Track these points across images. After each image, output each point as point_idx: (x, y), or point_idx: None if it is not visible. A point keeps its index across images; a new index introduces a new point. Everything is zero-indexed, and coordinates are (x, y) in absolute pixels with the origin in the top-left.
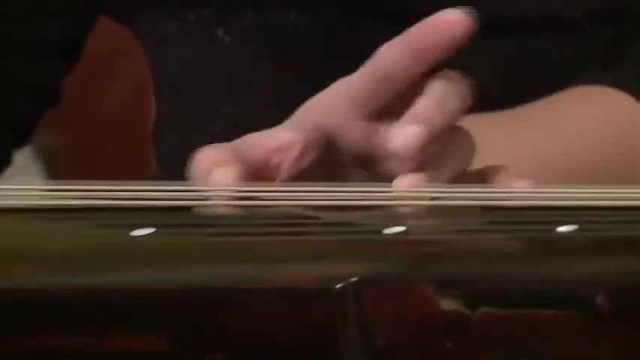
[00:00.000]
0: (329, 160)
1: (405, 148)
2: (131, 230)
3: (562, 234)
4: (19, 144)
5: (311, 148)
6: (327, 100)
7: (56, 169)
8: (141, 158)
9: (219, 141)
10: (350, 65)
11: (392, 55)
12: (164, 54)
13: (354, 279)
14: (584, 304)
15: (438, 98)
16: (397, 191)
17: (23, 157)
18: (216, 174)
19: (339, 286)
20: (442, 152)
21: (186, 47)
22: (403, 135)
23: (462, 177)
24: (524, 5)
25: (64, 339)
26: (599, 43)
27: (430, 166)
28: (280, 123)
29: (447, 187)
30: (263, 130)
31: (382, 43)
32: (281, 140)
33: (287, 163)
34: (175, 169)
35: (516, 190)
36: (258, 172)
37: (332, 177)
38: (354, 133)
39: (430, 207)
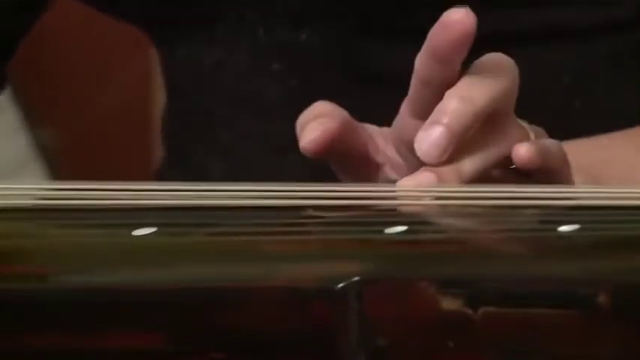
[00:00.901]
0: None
1: (425, 153)
2: (132, 230)
3: (563, 233)
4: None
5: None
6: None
7: (57, 167)
8: (142, 153)
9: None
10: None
11: (419, 62)
12: (178, 55)
13: (355, 278)
14: (585, 303)
15: (464, 93)
16: (401, 190)
17: (24, 157)
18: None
19: (340, 285)
20: (477, 141)
21: (201, 53)
22: (425, 140)
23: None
24: (534, 16)
25: (66, 338)
26: (609, 53)
27: (459, 157)
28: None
29: (450, 187)
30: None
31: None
32: (387, 142)
33: (389, 170)
34: (187, 171)
35: (519, 189)
36: (361, 160)
37: None
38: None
39: (433, 206)
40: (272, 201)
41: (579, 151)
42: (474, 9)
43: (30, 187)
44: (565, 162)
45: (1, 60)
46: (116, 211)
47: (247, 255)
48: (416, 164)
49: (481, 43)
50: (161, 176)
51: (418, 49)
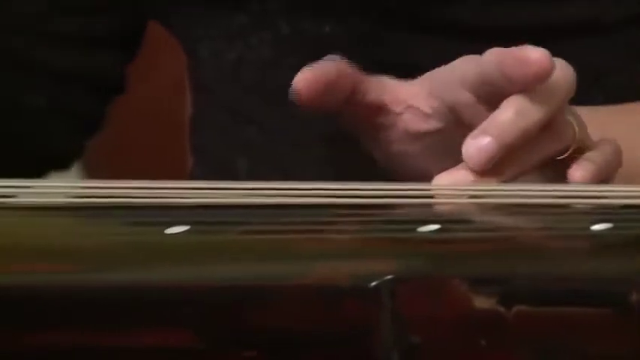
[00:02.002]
0: (449, 140)
1: (471, 159)
2: (165, 228)
3: (597, 232)
4: (90, 134)
5: (436, 116)
6: (447, 75)
7: (91, 166)
8: (176, 154)
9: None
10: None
11: (488, 63)
12: (201, 54)
13: (389, 277)
14: (618, 301)
15: (520, 108)
16: (436, 188)
17: None
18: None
19: (374, 283)
20: (521, 150)
21: (223, 51)
22: (472, 146)
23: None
24: (561, 11)
25: (98, 335)
26: (633, 47)
27: (500, 161)
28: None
29: (485, 185)
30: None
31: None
32: (414, 93)
33: (410, 118)
34: (212, 168)
35: (553, 188)
36: (376, 113)
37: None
38: (466, 113)
39: (467, 205)
40: (304, 199)
41: None
42: (500, 3)
43: (64, 186)
44: (619, 165)
45: (121, 60)
46: (148, 209)
47: (280, 253)
48: (450, 117)
49: (507, 36)
50: (189, 175)
51: (441, 41)
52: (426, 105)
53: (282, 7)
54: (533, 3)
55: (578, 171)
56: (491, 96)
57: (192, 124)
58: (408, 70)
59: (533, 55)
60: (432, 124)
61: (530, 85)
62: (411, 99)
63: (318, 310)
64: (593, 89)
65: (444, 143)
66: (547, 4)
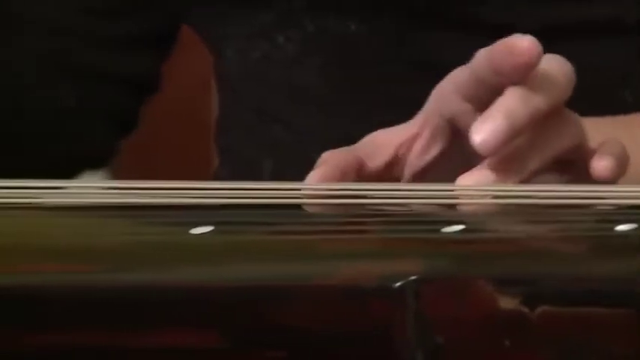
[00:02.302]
0: (459, 150)
1: (482, 144)
2: (190, 228)
3: (621, 232)
4: (125, 133)
5: (436, 138)
6: (443, 86)
7: (117, 166)
8: (202, 155)
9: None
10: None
11: (478, 62)
12: (226, 53)
13: (413, 277)
14: None
15: (523, 93)
16: (459, 189)
17: None
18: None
19: (398, 284)
20: (533, 140)
21: (248, 49)
22: (482, 130)
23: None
24: (585, 10)
25: (122, 335)
26: None
27: (516, 156)
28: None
29: (509, 186)
30: (388, 128)
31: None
32: (406, 134)
33: (413, 155)
34: (237, 168)
35: (576, 189)
36: (387, 170)
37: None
38: (463, 121)
39: (491, 205)
40: (329, 199)
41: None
42: (524, 2)
43: (91, 185)
44: (628, 161)
45: (155, 59)
46: (174, 209)
47: (305, 253)
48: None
49: (531, 35)
50: (214, 175)
51: (466, 39)
52: (423, 136)
53: (306, 5)
54: (557, 2)
55: (601, 161)
56: (488, 101)
57: (218, 124)
58: (432, 69)
59: (520, 43)
60: (435, 149)
61: (521, 73)
62: (406, 138)
63: (342, 310)
64: (621, 90)
65: (458, 155)
66: (571, 3)
